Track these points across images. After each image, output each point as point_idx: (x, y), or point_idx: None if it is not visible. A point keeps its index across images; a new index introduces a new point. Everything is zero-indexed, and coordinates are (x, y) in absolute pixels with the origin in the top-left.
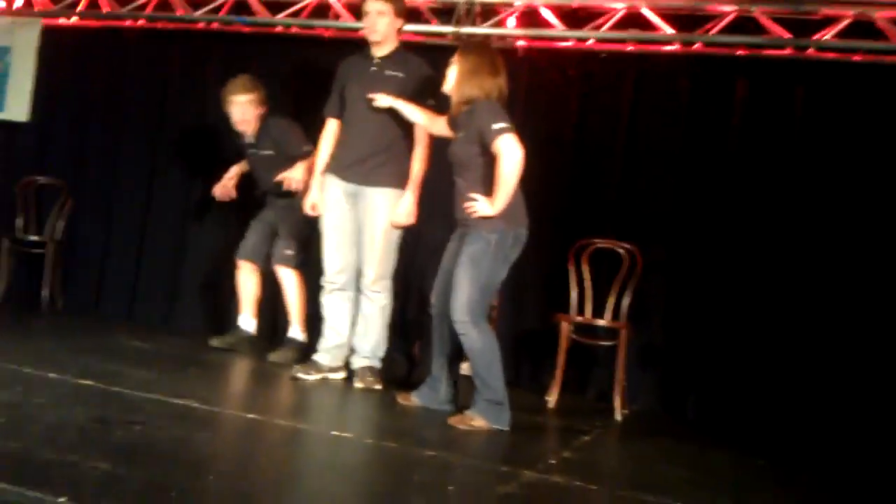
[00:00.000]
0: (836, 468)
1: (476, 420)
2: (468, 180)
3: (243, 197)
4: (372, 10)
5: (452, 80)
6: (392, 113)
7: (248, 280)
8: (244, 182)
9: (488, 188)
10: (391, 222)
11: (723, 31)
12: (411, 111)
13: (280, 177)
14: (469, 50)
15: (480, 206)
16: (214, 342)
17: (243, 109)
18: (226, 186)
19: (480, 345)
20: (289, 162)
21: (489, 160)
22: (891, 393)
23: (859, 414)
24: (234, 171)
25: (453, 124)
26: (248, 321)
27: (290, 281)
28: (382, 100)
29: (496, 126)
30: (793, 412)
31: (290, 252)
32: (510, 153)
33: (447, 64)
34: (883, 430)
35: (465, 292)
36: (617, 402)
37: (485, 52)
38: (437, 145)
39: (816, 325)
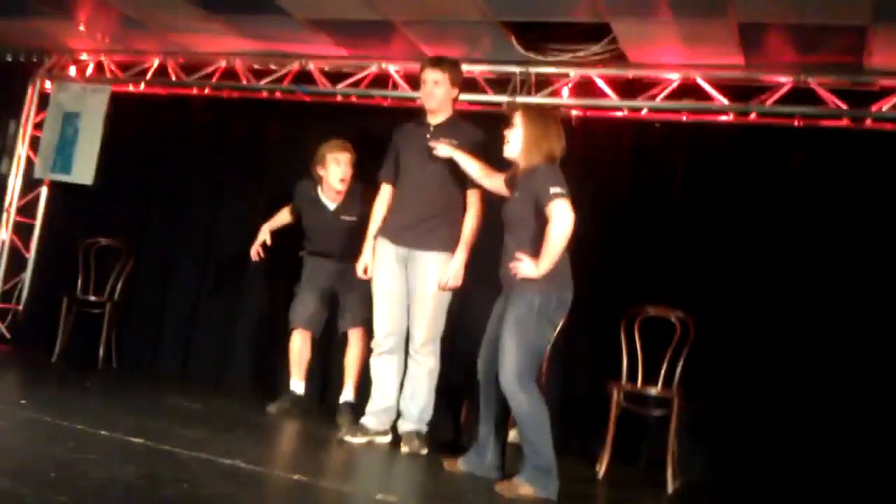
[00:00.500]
0: None
1: (523, 488)
2: (518, 241)
3: (294, 260)
4: (429, 80)
5: (516, 143)
6: (446, 178)
7: (303, 346)
8: (290, 242)
9: (537, 251)
10: (439, 283)
11: (778, 101)
12: (468, 163)
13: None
14: (535, 114)
15: (525, 266)
16: (271, 409)
17: (347, 169)
18: (257, 245)
19: (529, 409)
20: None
21: (542, 223)
22: None
23: None
24: (266, 235)
25: (510, 184)
26: (298, 385)
27: (362, 343)
28: (442, 150)
29: (553, 190)
30: (852, 488)
31: (365, 315)
32: (562, 217)
33: (506, 127)
34: None
35: (513, 356)
36: (669, 473)
37: (549, 117)
38: (488, 210)
39: (875, 396)
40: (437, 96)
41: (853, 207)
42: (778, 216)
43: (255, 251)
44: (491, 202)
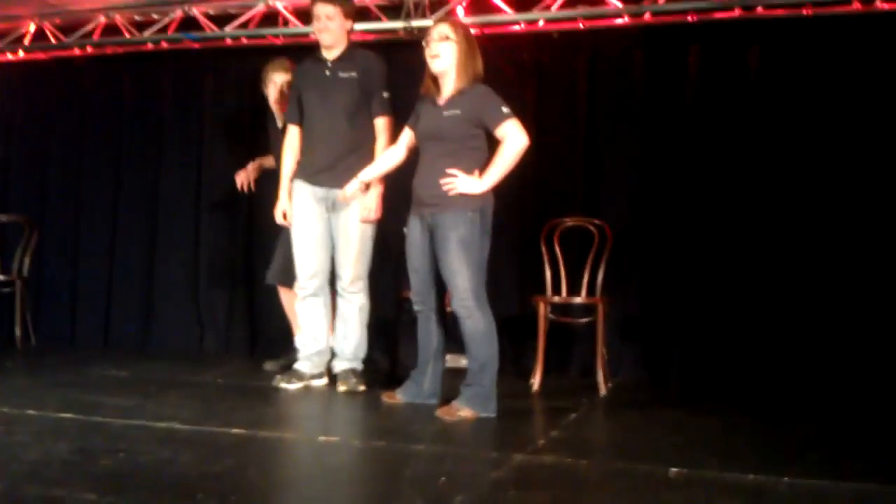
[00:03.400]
0: (821, 425)
1: (463, 410)
2: (452, 157)
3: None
4: (321, 15)
5: (448, 58)
6: (352, 112)
7: (290, 301)
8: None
9: (469, 169)
10: (359, 218)
11: None
12: (379, 169)
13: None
14: (462, 28)
15: (465, 182)
16: (267, 367)
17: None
18: (249, 172)
19: (485, 327)
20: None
21: (479, 143)
22: (870, 348)
23: (840, 370)
24: (257, 162)
25: (433, 100)
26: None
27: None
28: (350, 188)
29: (505, 110)
30: (775, 371)
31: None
32: (518, 137)
33: (420, 50)
34: (864, 385)
35: (466, 278)
36: (600, 377)
37: (470, 32)
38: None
39: (790, 282)
40: (332, 31)
41: (753, 100)
42: (683, 114)
43: (242, 177)
44: (400, 122)
